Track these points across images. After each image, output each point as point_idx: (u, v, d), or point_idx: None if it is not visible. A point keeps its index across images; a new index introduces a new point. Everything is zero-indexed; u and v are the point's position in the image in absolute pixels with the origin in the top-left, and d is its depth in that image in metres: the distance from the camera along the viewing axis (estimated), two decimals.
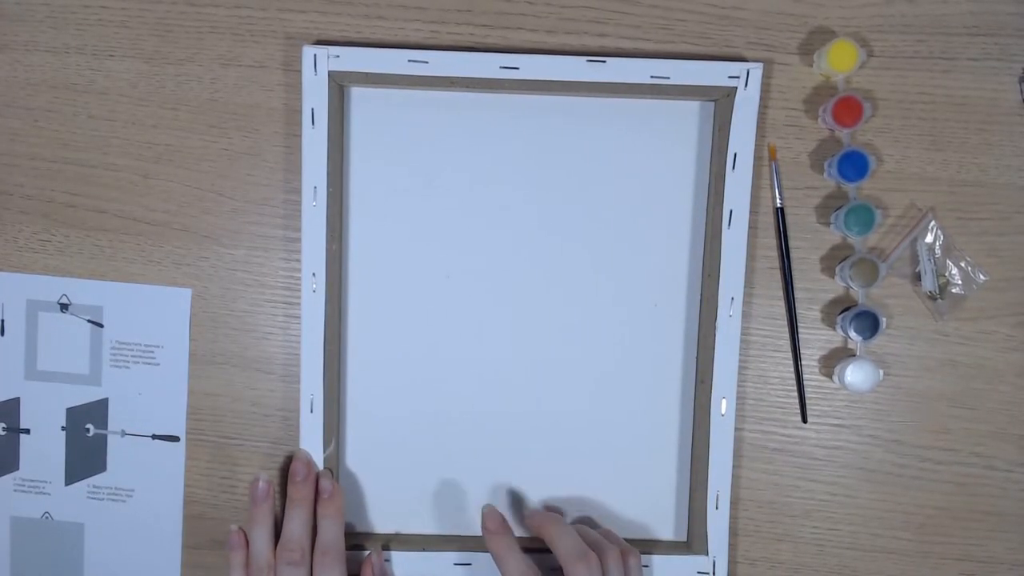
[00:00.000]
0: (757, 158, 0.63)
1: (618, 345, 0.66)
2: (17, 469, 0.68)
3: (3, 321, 0.67)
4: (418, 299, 0.66)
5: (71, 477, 0.68)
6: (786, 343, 0.66)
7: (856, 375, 0.63)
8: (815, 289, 0.66)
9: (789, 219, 0.65)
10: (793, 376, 0.66)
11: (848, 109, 0.62)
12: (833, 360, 0.66)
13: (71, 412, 0.67)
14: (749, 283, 0.65)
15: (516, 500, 0.67)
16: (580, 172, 0.65)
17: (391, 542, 0.66)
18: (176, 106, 0.65)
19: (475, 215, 0.65)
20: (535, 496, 0.67)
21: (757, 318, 0.66)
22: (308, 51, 0.61)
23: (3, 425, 0.68)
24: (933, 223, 0.64)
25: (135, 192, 0.66)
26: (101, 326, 0.67)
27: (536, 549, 0.61)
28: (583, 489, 0.67)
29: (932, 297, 0.65)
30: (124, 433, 0.67)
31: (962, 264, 0.64)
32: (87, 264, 0.66)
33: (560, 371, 0.66)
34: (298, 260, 0.65)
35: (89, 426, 0.67)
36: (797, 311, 0.65)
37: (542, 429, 0.66)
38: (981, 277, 0.65)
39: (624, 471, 0.66)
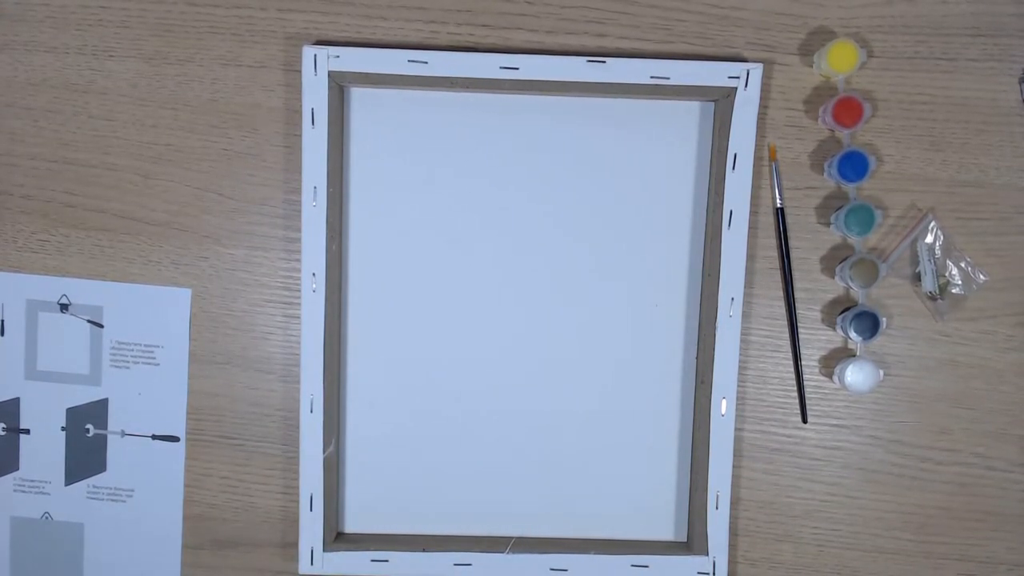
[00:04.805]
0: (757, 158, 0.63)
1: (618, 345, 0.66)
2: (17, 469, 0.68)
3: (3, 321, 0.67)
4: (418, 299, 0.66)
5: (71, 477, 0.68)
6: (786, 343, 0.66)
7: (856, 375, 0.63)
8: (815, 289, 0.66)
9: (789, 219, 0.65)
10: (793, 376, 0.66)
11: (848, 109, 0.62)
12: (833, 360, 0.66)
13: (71, 412, 0.67)
14: (749, 283, 0.65)
15: (515, 500, 0.67)
16: (580, 172, 0.65)
17: (391, 542, 0.66)
18: (176, 106, 0.65)
19: (474, 215, 0.65)
20: (535, 496, 0.67)
21: (757, 318, 0.66)
22: (308, 51, 0.61)
23: (3, 425, 0.68)
24: (933, 223, 0.64)
25: (135, 192, 0.66)
26: (101, 326, 0.67)
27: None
28: (583, 489, 0.67)
29: (932, 297, 0.65)
30: (124, 433, 0.67)
31: (962, 264, 0.64)
32: (87, 264, 0.66)
33: (560, 371, 0.66)
34: (298, 260, 0.65)
35: (89, 426, 0.67)
36: (797, 311, 0.65)
37: (542, 429, 0.66)
38: (981, 277, 0.65)
39: (624, 471, 0.66)
